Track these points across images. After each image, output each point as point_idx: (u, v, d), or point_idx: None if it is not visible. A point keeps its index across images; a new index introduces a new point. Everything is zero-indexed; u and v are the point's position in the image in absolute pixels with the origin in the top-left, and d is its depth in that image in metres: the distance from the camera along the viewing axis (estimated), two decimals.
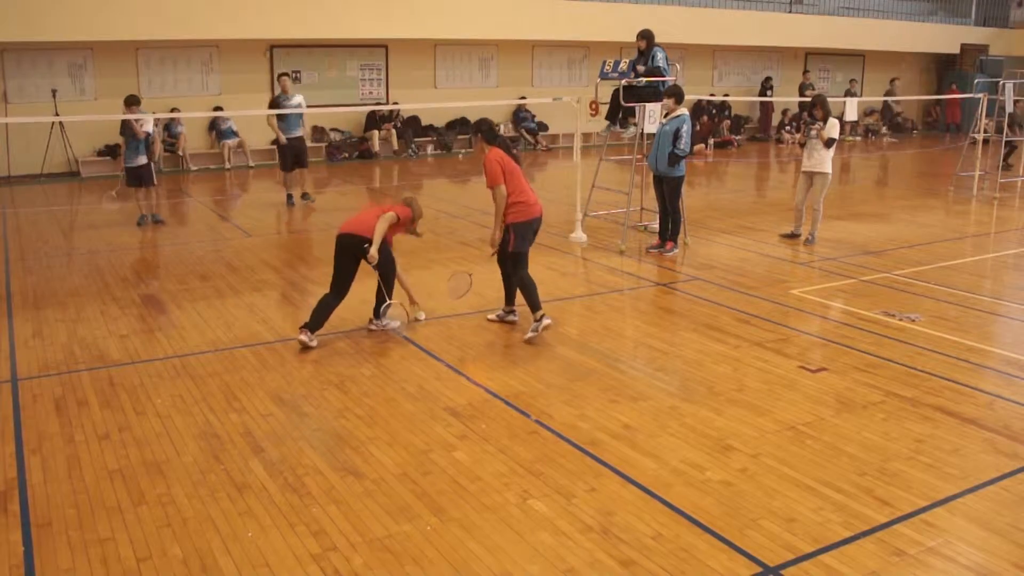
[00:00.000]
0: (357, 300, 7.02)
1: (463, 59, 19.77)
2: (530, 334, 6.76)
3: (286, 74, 13.08)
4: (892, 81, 24.62)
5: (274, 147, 17.54)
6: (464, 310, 7.65)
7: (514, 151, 6.92)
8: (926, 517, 4.27)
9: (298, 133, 12.70)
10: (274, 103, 12.74)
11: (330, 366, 6.30)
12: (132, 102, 11.16)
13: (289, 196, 13.00)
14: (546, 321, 6.77)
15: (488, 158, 6.76)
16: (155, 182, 11.59)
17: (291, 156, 12.67)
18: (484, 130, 6.95)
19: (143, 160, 11.31)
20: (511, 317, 7.24)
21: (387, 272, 6.86)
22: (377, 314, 7.02)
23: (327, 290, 6.80)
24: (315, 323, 6.69)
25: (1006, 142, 15.77)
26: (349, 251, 6.73)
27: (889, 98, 23.77)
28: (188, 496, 4.42)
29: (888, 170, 18.69)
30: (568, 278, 8.93)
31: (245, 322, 7.32)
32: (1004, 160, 16.12)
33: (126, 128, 11.13)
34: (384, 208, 6.89)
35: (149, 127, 11.16)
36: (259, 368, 6.24)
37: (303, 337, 6.61)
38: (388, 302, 6.85)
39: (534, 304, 6.80)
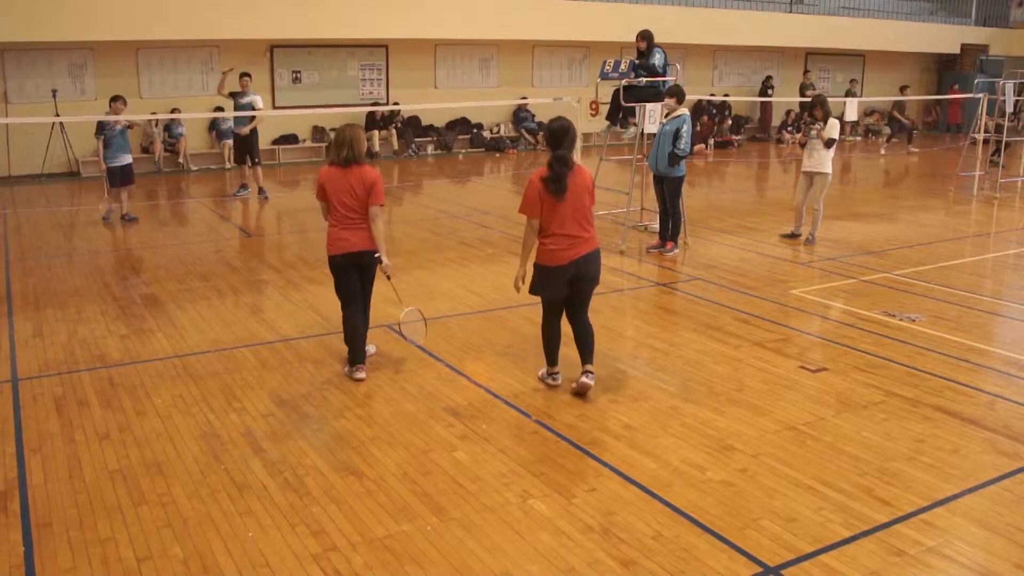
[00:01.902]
0: None
1: (463, 59, 19.77)
2: (540, 373, 6.04)
3: (247, 75, 13.64)
4: (902, 89, 24.04)
5: (275, 147, 17.85)
6: (464, 310, 7.66)
7: (564, 170, 5.48)
8: (926, 517, 4.27)
9: (244, 131, 13.51)
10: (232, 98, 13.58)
11: (330, 366, 6.29)
12: (117, 100, 11.33)
13: (242, 186, 14.02)
14: (551, 381, 5.88)
15: (531, 179, 5.57)
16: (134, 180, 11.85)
17: (237, 151, 13.89)
18: (546, 133, 5.64)
19: (128, 159, 11.46)
20: (584, 378, 5.76)
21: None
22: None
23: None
24: (359, 353, 6.09)
25: (998, 141, 15.69)
26: (363, 267, 6.08)
27: (895, 97, 23.37)
28: (188, 496, 4.42)
29: (888, 170, 18.69)
30: None
31: (245, 322, 7.32)
32: (993, 157, 16.01)
33: (101, 127, 11.24)
34: (369, 198, 5.93)
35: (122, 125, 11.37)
36: (259, 368, 6.24)
37: (360, 375, 6.03)
38: (408, 309, 6.30)
39: (548, 358, 5.90)
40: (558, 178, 5.48)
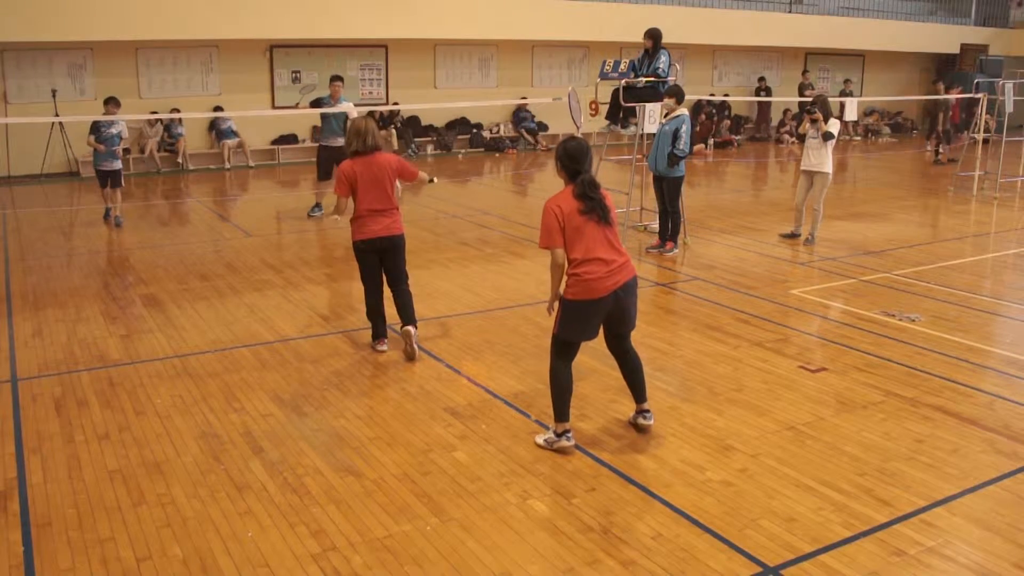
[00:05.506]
0: (358, 300, 7.02)
1: (463, 59, 19.77)
2: (540, 441, 5.02)
3: (339, 78, 11.76)
4: (976, 85, 23.53)
5: (275, 147, 17.82)
6: (463, 310, 7.66)
7: (598, 195, 4.84)
8: (926, 517, 4.27)
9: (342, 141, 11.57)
10: (317, 106, 11.98)
11: (330, 366, 6.29)
12: (111, 102, 11.18)
13: (317, 205, 12.14)
14: (566, 442, 4.92)
15: (547, 207, 4.82)
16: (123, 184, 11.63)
17: (332, 164, 11.51)
18: (563, 156, 4.86)
19: (117, 164, 11.30)
20: (642, 420, 5.21)
21: None
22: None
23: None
24: (380, 329, 6.60)
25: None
26: (386, 251, 6.38)
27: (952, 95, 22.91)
28: (188, 496, 4.42)
29: (888, 170, 18.68)
30: None
31: (245, 322, 7.32)
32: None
33: (96, 129, 11.15)
34: (404, 177, 6.39)
35: (119, 129, 11.23)
36: (259, 368, 6.24)
37: (382, 347, 6.56)
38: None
39: (558, 411, 4.95)
40: (599, 206, 4.80)
